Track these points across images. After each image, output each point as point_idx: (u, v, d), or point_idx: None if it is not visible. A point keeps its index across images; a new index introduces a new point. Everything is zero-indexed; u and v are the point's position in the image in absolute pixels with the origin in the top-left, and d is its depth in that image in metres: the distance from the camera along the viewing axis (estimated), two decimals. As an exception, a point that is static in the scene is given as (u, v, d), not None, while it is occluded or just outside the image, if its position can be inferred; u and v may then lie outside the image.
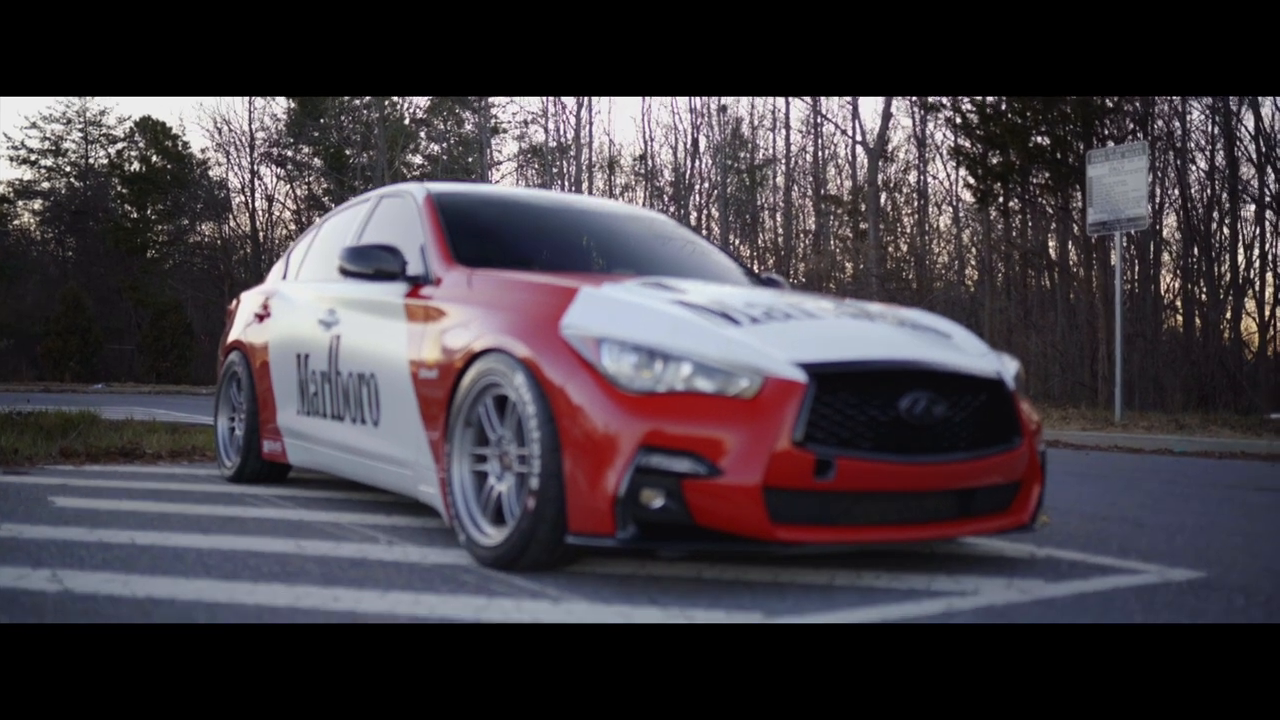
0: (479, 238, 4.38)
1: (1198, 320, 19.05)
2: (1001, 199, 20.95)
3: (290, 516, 4.49)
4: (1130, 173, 13.98)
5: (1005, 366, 3.73)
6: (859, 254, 24.00)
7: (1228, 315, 19.32)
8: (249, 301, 5.92)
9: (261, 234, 41.59)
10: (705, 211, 38.42)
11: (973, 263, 25.14)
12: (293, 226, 42.15)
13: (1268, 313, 20.29)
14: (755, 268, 33.61)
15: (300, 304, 5.15)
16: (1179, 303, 20.47)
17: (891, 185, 28.59)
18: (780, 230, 34.69)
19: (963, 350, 3.62)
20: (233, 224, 42.41)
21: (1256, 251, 20.96)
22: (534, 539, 3.20)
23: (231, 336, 5.94)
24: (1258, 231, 20.92)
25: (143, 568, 3.31)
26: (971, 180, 21.48)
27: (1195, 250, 20.16)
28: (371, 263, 4.18)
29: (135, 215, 40.25)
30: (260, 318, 5.58)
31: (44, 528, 4.02)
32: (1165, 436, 12.27)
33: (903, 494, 3.21)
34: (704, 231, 38.11)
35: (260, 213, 41.94)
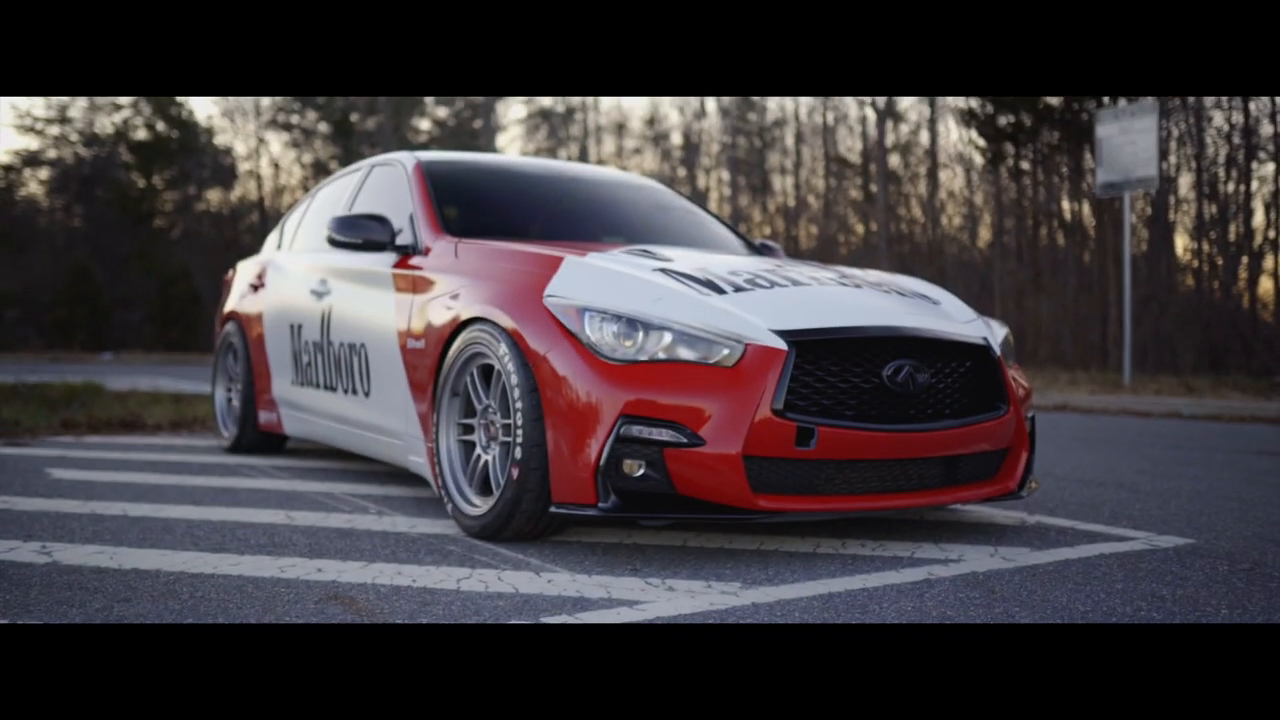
0: (468, 207, 4.36)
1: (1214, 284, 18.89)
2: (1012, 160, 20.78)
3: (283, 487, 4.51)
4: (1140, 132, 13.84)
5: (993, 333, 3.71)
6: (869, 217, 23.84)
7: (1243, 275, 19.16)
8: (244, 272, 5.93)
9: (268, 201, 41.60)
10: (714, 173, 38.26)
11: (984, 224, 24.96)
12: (300, 193, 42.13)
13: None
14: (765, 230, 33.48)
15: (293, 274, 5.14)
16: (1195, 262, 20.29)
17: (902, 146, 28.37)
18: (790, 192, 34.50)
19: (949, 317, 3.59)
20: (240, 191, 42.43)
21: (1275, 212, 20.75)
22: (519, 509, 3.21)
23: (228, 307, 5.94)
24: (1274, 190, 20.69)
25: (132, 539, 3.33)
26: (981, 142, 21.30)
27: (1211, 209, 19.96)
28: (360, 232, 4.17)
29: (142, 184, 40.27)
30: (255, 288, 5.59)
31: (38, 500, 4.05)
32: (1174, 400, 12.23)
33: (887, 462, 3.20)
34: (713, 194, 37.96)
35: (267, 180, 41.96)
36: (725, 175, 37.04)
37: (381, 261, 4.23)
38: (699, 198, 38.21)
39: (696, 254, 3.95)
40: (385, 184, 4.74)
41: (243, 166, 41.88)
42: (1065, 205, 21.61)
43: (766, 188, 36.63)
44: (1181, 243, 20.49)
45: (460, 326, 3.56)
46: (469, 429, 3.57)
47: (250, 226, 41.61)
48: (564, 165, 5.12)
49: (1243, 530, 3.83)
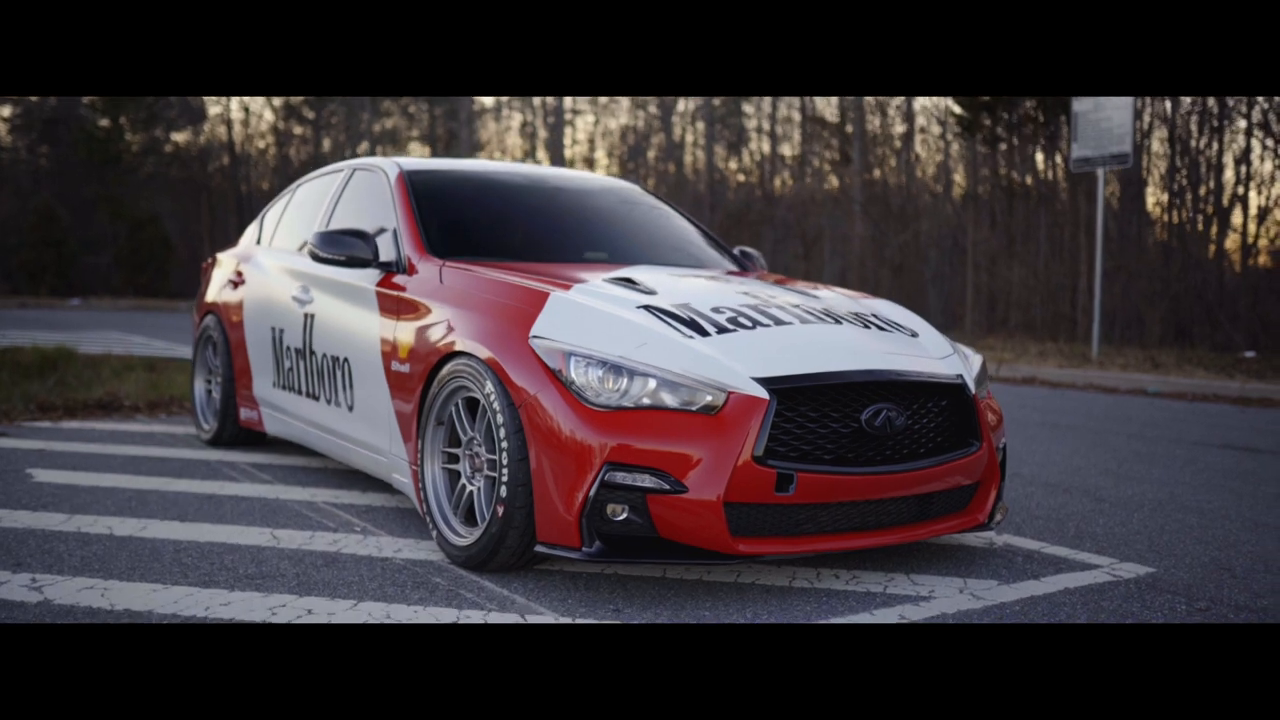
0: (452, 223, 4.38)
1: (1183, 253, 19.05)
2: (988, 127, 20.82)
3: (266, 495, 4.56)
4: (1115, 108, 13.91)
5: (969, 365, 3.79)
6: (844, 179, 23.85)
7: (1213, 232, 19.35)
8: (225, 264, 5.91)
9: (239, 144, 41.03)
10: (691, 126, 38.06)
11: (958, 191, 25.04)
12: (270, 138, 41.58)
13: (1251, 231, 20.34)
14: (741, 178, 33.37)
15: (274, 276, 5.15)
16: (1165, 216, 20.41)
17: (878, 110, 28.30)
18: (766, 150, 34.40)
19: (926, 352, 3.67)
20: (208, 132, 41.76)
21: (1244, 169, 20.88)
22: (503, 544, 3.28)
23: (208, 298, 5.94)
24: (1245, 148, 20.79)
25: (121, 568, 3.39)
26: (957, 109, 21.31)
27: (1183, 173, 20.06)
28: (343, 249, 4.18)
29: (107, 123, 39.61)
30: (235, 284, 5.59)
31: (22, 513, 4.09)
32: (1140, 375, 12.44)
33: (862, 502, 3.30)
34: (689, 144, 37.78)
35: (237, 123, 41.34)
36: (701, 126, 36.86)
37: (365, 278, 4.26)
38: (675, 148, 38.03)
39: (678, 279, 3.99)
40: (366, 191, 4.74)
41: (211, 109, 41.20)
42: (1040, 174, 21.71)
43: (743, 142, 36.51)
44: (1153, 198, 20.60)
45: (446, 357, 3.61)
46: (454, 458, 3.63)
47: (221, 168, 41.06)
48: (545, 172, 5.13)
49: (1201, 555, 3.97)
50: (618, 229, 4.84)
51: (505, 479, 3.25)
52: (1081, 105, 14.30)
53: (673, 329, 3.36)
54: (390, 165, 4.67)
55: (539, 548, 3.22)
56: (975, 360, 3.93)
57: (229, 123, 40.89)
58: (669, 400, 3.14)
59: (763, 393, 3.15)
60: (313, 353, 4.60)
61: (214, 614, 2.97)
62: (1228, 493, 5.30)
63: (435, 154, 40.63)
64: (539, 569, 3.49)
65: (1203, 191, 20.04)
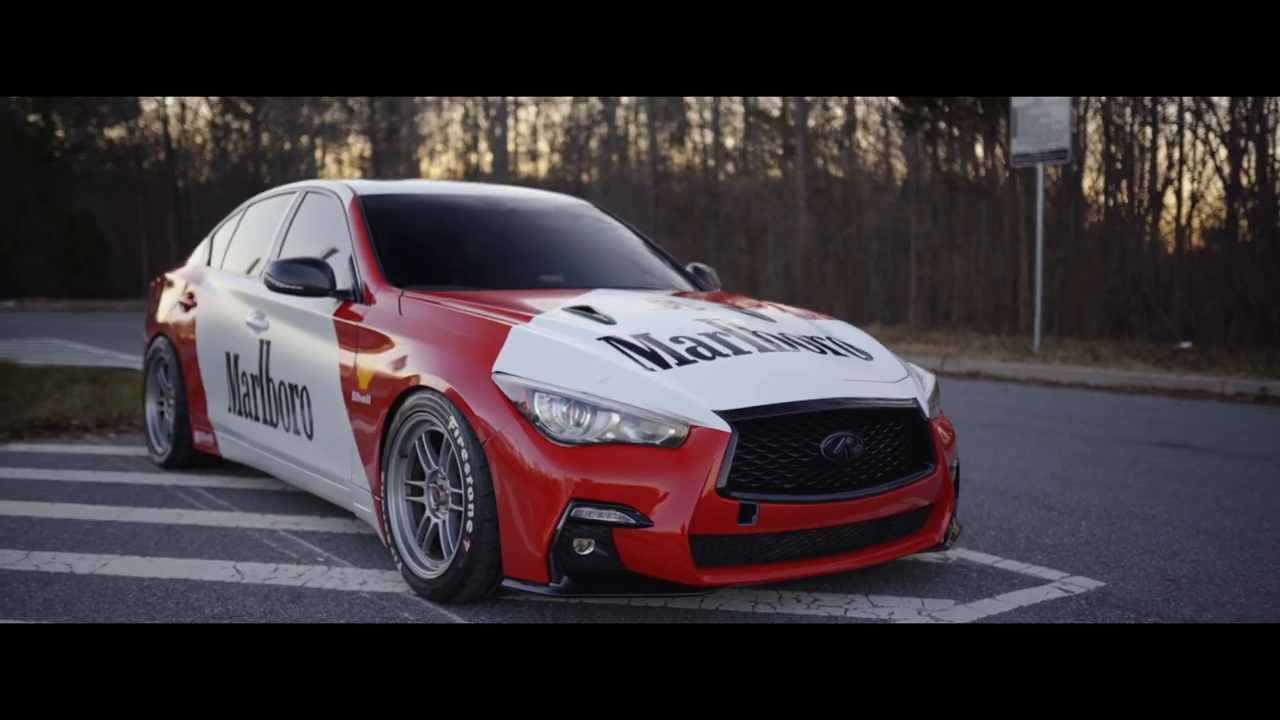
0: (408, 250, 4.39)
1: (1115, 224, 19.40)
2: (929, 119, 21.05)
3: (226, 523, 4.54)
4: (1054, 105, 14.17)
5: (923, 387, 3.88)
6: (787, 172, 24.02)
7: (1148, 219, 19.77)
8: (176, 285, 5.85)
9: (175, 139, 40.29)
10: (634, 118, 38.05)
11: (899, 182, 25.33)
12: (207, 133, 40.90)
13: (1185, 214, 20.80)
14: (684, 171, 33.40)
15: (227, 300, 5.12)
16: (1101, 200, 20.74)
17: (819, 104, 28.51)
18: (709, 144, 34.51)
19: (881, 375, 3.75)
20: (143, 127, 40.91)
21: (1177, 152, 21.29)
22: (470, 578, 3.32)
23: (159, 318, 5.87)
24: (1178, 132, 21.18)
25: (84, 612, 3.37)
26: (899, 104, 21.54)
27: (1118, 155, 20.42)
28: (300, 279, 4.17)
29: (38, 119, 38.66)
30: (186, 306, 5.53)
31: (-23, 550, 4.04)
32: (1081, 369, 12.69)
33: (822, 529, 3.37)
34: (633, 135, 37.78)
35: (173, 118, 40.59)
36: (644, 118, 36.88)
37: (323, 306, 4.25)
38: (618, 140, 38.01)
39: (637, 306, 4.03)
40: (320, 215, 4.73)
41: (146, 105, 40.38)
42: (980, 167, 22.03)
43: (685, 133, 36.56)
44: (1089, 182, 20.94)
45: (408, 391, 3.62)
46: (418, 490, 3.65)
47: (157, 164, 40.30)
48: (499, 193, 5.13)
49: (1147, 565, 4.10)
50: (573, 250, 4.87)
51: (471, 514, 3.28)
52: (1021, 102, 14.55)
53: (634, 362, 3.40)
54: (344, 189, 4.66)
55: (507, 582, 3.26)
56: (929, 380, 4.02)
57: (165, 118, 40.12)
58: (632, 435, 3.19)
59: (724, 426, 3.20)
60: (270, 380, 4.59)
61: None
62: (1169, 496, 5.46)
63: (376, 147, 40.19)
64: (505, 600, 3.52)
65: (1138, 174, 20.47)
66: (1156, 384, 11.61)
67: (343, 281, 4.23)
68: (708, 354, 3.51)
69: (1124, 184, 20.13)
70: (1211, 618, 3.49)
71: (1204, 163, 19.42)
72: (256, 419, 4.76)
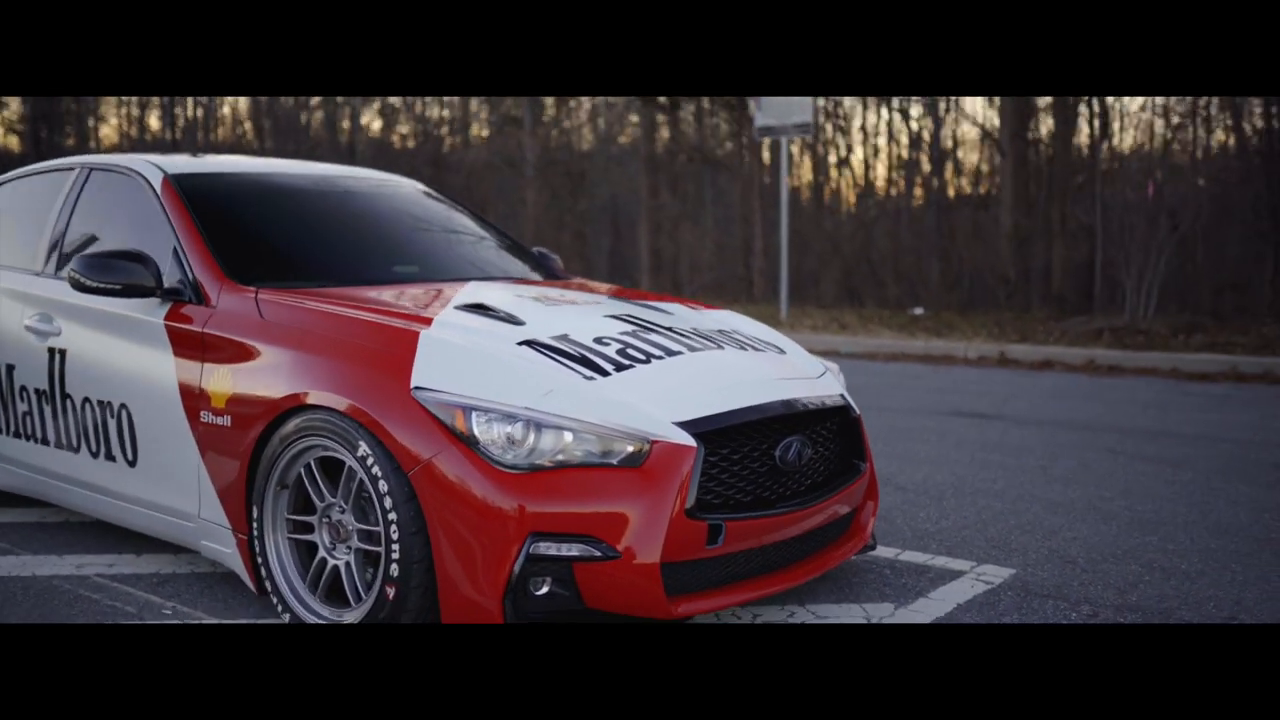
0: (249, 242, 3.73)
1: (817, 196, 20.48)
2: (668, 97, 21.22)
3: (18, 571, 3.73)
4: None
5: (840, 381, 3.70)
6: (521, 143, 23.60)
7: (845, 189, 21.12)
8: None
9: None
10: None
11: (634, 153, 25.45)
12: None
13: (879, 178, 22.41)
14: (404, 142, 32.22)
15: (-8, 298, 4.22)
16: (810, 177, 21.80)
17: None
18: (434, 115, 33.45)
19: (806, 373, 3.53)
20: None
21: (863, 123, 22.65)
22: (393, 629, 2.82)
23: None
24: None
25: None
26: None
27: (824, 128, 21.54)
28: (120, 276, 3.44)
29: None
30: (-75, 306, 4.53)
31: None
32: (831, 337, 13.16)
33: (784, 541, 3.12)
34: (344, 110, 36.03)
35: None
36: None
37: (145, 309, 3.53)
38: (332, 107, 36.14)
39: (528, 302, 3.57)
40: (116, 199, 3.96)
41: None
42: (719, 139, 22.48)
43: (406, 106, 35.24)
44: (797, 152, 22.01)
45: (289, 411, 3.04)
46: (305, 526, 3.09)
47: None
48: (330, 171, 4.51)
49: (1039, 547, 4.12)
50: (420, 237, 4.34)
51: (396, 555, 2.78)
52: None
53: (568, 370, 2.99)
54: (146, 167, 3.91)
55: (446, 633, 2.79)
56: (839, 373, 3.84)
57: None
58: (587, 456, 2.79)
59: (689, 439, 2.86)
60: (67, 396, 3.79)
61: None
62: (1000, 469, 5.60)
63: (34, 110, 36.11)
64: (422, 648, 3.04)
65: (833, 145, 21.79)
66: (906, 350, 12.18)
67: (169, 278, 3.54)
68: (641, 357, 3.15)
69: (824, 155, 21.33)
70: (1135, 600, 3.52)
71: (876, 131, 20.96)
72: (45, 443, 3.94)
